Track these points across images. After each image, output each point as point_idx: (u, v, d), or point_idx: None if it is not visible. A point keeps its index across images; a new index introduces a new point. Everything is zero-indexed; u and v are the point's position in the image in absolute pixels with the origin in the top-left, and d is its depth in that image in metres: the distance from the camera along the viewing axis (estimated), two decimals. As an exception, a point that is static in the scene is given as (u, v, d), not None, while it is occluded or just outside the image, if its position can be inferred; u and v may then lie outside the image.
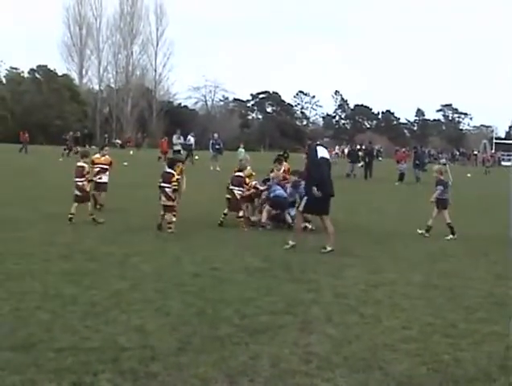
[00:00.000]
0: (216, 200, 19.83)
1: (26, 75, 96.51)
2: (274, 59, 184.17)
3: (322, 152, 14.27)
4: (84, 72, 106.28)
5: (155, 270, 10.88)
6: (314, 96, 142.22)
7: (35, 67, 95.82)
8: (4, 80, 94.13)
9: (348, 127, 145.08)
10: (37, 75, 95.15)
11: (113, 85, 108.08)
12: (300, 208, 14.24)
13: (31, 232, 14.22)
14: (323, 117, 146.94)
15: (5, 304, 8.31)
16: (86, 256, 11.75)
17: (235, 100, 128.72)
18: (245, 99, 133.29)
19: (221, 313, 8.42)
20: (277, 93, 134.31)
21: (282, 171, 17.93)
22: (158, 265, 11.31)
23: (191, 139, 47.97)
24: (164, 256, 12.20)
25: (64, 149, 49.73)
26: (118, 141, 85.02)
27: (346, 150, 48.19)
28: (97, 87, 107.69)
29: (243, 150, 45.79)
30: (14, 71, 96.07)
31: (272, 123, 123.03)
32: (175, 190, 15.62)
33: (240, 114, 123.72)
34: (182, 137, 45.52)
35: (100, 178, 18.63)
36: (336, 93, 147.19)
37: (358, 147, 49.03)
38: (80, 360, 6.42)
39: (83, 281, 9.76)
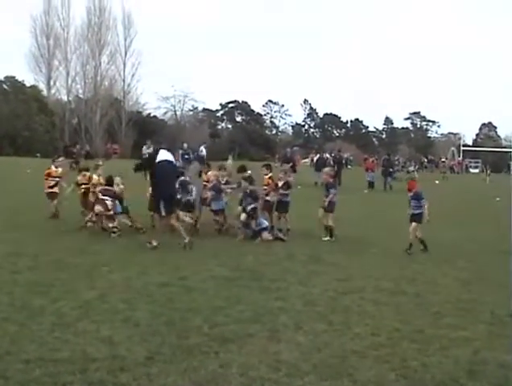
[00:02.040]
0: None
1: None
2: (243, 68, 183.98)
3: (163, 155, 15.03)
4: (52, 83, 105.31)
5: (123, 280, 10.84)
6: (283, 105, 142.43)
7: (2, 78, 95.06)
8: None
9: (318, 136, 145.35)
10: (4, 86, 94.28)
11: (81, 96, 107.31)
12: (163, 213, 14.84)
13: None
14: (292, 126, 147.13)
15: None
16: (56, 267, 11.68)
17: (204, 109, 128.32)
18: (214, 108, 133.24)
19: (190, 322, 8.40)
20: (246, 102, 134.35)
21: (268, 177, 18.16)
22: (127, 275, 11.26)
23: (203, 150, 47.81)
24: (132, 267, 12.10)
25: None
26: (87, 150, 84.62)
27: (315, 159, 48.14)
28: (65, 97, 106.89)
29: (231, 161, 45.81)
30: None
31: (241, 132, 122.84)
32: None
33: (209, 124, 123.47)
34: (152, 147, 45.39)
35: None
36: (305, 102, 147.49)
37: (327, 156, 49.15)
38: (48, 372, 6.37)
39: (51, 292, 9.69)
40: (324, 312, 9.26)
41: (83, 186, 18.22)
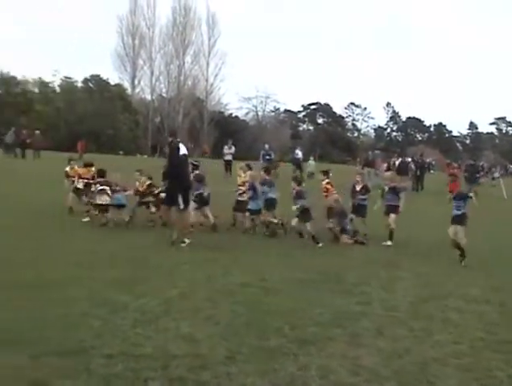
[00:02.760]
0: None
1: (79, 84, 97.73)
2: (325, 70, 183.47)
3: (183, 149, 14.90)
4: (136, 82, 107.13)
5: (205, 279, 10.95)
6: (365, 108, 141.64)
7: (88, 77, 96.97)
8: (58, 90, 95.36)
9: (400, 139, 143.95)
10: (90, 85, 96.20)
11: (165, 95, 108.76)
12: (182, 206, 14.69)
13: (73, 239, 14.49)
14: (374, 129, 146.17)
15: (50, 310, 8.42)
16: (136, 264, 11.88)
17: (286, 110, 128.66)
18: (296, 110, 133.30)
19: (270, 323, 8.42)
20: (328, 105, 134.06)
21: (325, 183, 18.12)
22: (208, 274, 11.36)
23: (299, 153, 48.01)
24: (213, 266, 12.24)
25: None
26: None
27: (397, 163, 47.58)
28: (149, 96, 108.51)
29: (313, 162, 45.78)
30: (68, 80, 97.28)
31: (323, 134, 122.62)
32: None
33: (291, 125, 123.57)
34: (233, 147, 45.58)
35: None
36: (387, 105, 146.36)
37: (409, 160, 48.46)
38: (130, 367, 6.49)
39: (134, 289, 9.86)
40: (404, 318, 9.16)
41: (84, 180, 18.64)
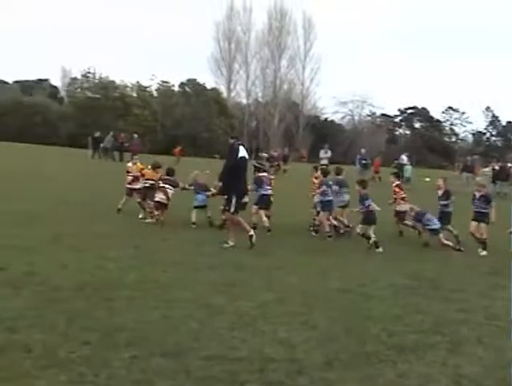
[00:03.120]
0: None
1: (176, 88, 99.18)
2: (422, 73, 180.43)
3: (243, 152, 14.55)
4: (232, 86, 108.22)
5: (302, 284, 10.93)
6: (464, 113, 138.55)
7: (184, 81, 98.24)
8: (155, 94, 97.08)
9: (500, 144, 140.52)
10: (187, 89, 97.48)
11: (260, 99, 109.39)
12: (232, 210, 14.49)
13: (176, 240, 14.69)
14: (472, 134, 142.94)
15: (156, 311, 8.56)
16: (234, 267, 11.97)
17: (382, 115, 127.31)
18: (392, 114, 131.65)
19: (369, 330, 8.34)
20: (425, 109, 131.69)
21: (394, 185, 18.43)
22: (305, 279, 11.36)
23: (404, 159, 47.88)
24: (311, 270, 12.23)
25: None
26: (265, 155, 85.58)
27: (496, 168, 46.51)
28: (244, 100, 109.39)
29: (410, 167, 45.32)
30: (165, 84, 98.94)
31: (419, 139, 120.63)
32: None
33: (387, 129, 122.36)
34: (329, 152, 45.51)
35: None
36: (487, 109, 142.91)
37: (510, 165, 47.27)
38: (227, 369, 6.52)
39: (231, 292, 9.93)
40: (507, 327, 8.92)
41: (150, 181, 18.59)
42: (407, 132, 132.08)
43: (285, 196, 23.10)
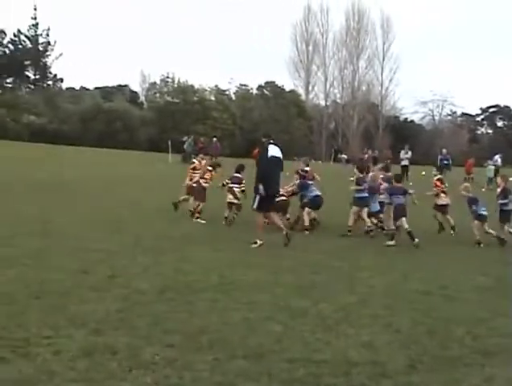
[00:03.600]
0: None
1: (254, 91, 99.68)
2: (506, 71, 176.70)
3: (273, 151, 14.49)
4: (310, 88, 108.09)
5: (384, 286, 10.85)
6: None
7: (263, 84, 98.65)
8: (234, 97, 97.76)
9: None
10: (265, 92, 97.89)
11: (339, 100, 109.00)
12: (254, 206, 14.59)
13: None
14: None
15: (236, 313, 8.61)
16: (313, 269, 11.95)
17: (463, 114, 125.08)
18: (473, 113, 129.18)
19: (452, 333, 8.22)
20: (508, 107, 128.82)
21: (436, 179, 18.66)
22: (387, 281, 11.27)
23: (498, 160, 47.36)
24: (392, 272, 12.15)
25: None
26: (344, 156, 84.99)
27: None
28: (323, 102, 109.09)
29: (493, 167, 44.58)
30: (244, 88, 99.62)
31: (503, 138, 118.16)
32: (242, 191, 18.12)
33: (468, 129, 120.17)
34: (410, 152, 45.01)
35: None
36: None
37: None
38: (311, 372, 6.50)
39: (312, 294, 9.91)
40: None
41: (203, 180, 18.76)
42: (490, 131, 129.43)
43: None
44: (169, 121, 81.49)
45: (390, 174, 18.41)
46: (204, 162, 20.04)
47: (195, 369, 6.42)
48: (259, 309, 8.83)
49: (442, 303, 9.83)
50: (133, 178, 33.09)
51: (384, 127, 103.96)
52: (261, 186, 14.32)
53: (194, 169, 19.68)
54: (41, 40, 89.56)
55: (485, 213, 16.25)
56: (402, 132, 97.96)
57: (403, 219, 15.50)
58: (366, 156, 48.19)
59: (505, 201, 16.52)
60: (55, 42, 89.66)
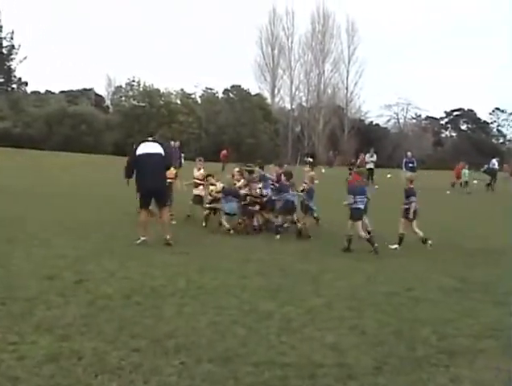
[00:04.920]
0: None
1: (220, 95, 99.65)
2: (467, 74, 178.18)
3: (143, 148, 14.71)
4: (276, 91, 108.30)
5: (349, 288, 10.89)
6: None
7: (229, 88, 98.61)
8: (199, 101, 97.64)
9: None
10: (231, 95, 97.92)
11: (304, 104, 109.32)
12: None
13: (225, 247, 14.75)
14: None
15: (203, 317, 8.60)
16: (281, 273, 11.98)
17: (428, 117, 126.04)
18: (438, 116, 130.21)
19: (418, 333, 8.29)
20: (472, 110, 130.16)
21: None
22: (352, 283, 11.32)
23: (495, 164, 47.59)
24: (357, 275, 12.19)
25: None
26: (310, 160, 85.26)
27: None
28: (288, 106, 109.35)
29: (467, 171, 45.13)
30: (209, 91, 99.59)
31: (466, 141, 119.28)
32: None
33: (433, 132, 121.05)
34: (375, 155, 45.25)
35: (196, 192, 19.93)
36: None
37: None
38: (276, 375, 6.53)
39: (278, 297, 9.94)
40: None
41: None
42: (454, 134, 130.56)
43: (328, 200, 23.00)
44: (135, 124, 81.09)
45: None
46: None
47: (161, 374, 6.42)
48: (226, 313, 8.84)
49: (408, 304, 9.87)
50: (99, 182, 32.91)
51: (349, 130, 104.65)
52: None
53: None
54: (5, 44, 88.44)
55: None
56: (368, 135, 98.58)
57: (359, 223, 15.52)
58: (359, 160, 47.36)
59: (406, 201, 16.38)
60: (19, 45, 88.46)
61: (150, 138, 15.18)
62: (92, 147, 75.61)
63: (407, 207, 16.12)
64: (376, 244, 14.99)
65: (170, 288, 10.22)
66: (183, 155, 53.73)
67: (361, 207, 15.46)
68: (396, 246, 15.90)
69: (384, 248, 15.29)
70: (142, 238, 14.54)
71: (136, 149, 14.75)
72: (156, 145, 14.90)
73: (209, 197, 18.52)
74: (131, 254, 13.10)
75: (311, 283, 11.17)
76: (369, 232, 15.72)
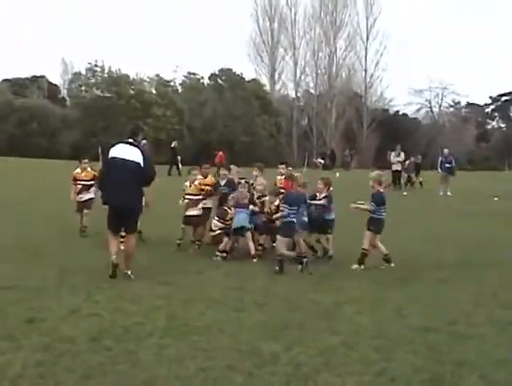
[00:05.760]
0: (442, 237, 19.59)
1: (206, 81, 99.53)
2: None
3: (116, 151, 14.14)
4: (276, 76, 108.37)
5: (373, 323, 10.90)
6: None
7: (216, 72, 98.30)
8: (180, 89, 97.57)
9: None
10: (219, 81, 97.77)
11: (312, 91, 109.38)
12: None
13: (215, 274, 14.76)
14: None
15: (190, 362, 8.62)
16: (288, 305, 11.99)
17: (469, 104, 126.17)
18: (482, 103, 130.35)
19: (463, 379, 8.30)
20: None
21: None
22: (377, 317, 11.32)
23: None
24: (383, 306, 12.19)
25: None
26: (321, 161, 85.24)
27: None
28: (292, 93, 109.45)
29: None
30: (192, 77, 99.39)
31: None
32: None
33: (476, 123, 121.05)
34: (402, 154, 45.07)
35: (81, 197, 20.65)
36: None
37: None
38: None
39: (284, 336, 9.94)
40: None
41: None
42: (502, 125, 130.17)
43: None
44: (99, 120, 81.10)
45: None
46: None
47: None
48: (218, 356, 8.86)
49: (449, 342, 9.87)
50: (55, 193, 32.87)
51: (370, 123, 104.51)
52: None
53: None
54: None
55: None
56: (393, 128, 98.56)
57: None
58: (407, 162, 46.92)
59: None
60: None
61: (129, 140, 14.40)
62: (45, 150, 75.55)
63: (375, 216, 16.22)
64: (303, 265, 15.32)
65: (148, 326, 10.22)
66: (179, 158, 53.71)
67: (294, 220, 15.62)
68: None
69: (418, 272, 15.34)
70: (113, 257, 13.91)
71: (108, 153, 14.28)
72: (135, 150, 14.14)
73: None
74: (99, 284, 13.08)
75: (325, 317, 11.17)
76: (325, 252, 16.07)
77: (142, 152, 14.14)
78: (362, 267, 15.76)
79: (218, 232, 17.42)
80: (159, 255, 16.55)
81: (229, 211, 17.46)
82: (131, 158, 13.95)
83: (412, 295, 13.16)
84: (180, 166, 51.49)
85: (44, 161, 62.61)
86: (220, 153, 58.98)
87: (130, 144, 14.27)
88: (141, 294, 12.39)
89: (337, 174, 55.13)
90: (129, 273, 14.08)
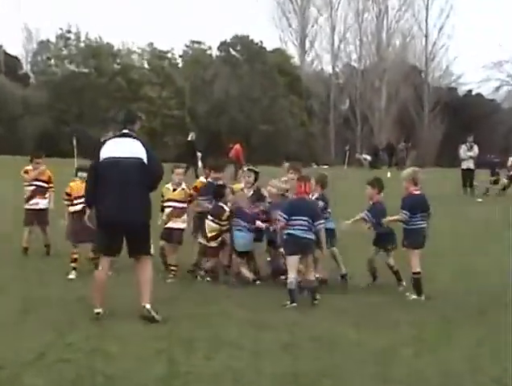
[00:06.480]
0: None
1: (214, 52, 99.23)
2: None
3: (112, 149, 13.71)
4: (307, 45, 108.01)
5: (438, 370, 10.79)
6: None
7: (228, 40, 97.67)
8: (180, 63, 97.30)
9: None
10: (232, 52, 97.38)
11: (355, 64, 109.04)
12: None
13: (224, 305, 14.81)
14: None
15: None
16: (324, 346, 11.97)
17: None
18: None
19: None
20: None
21: None
22: (442, 361, 11.25)
23: None
24: (449, 347, 12.13)
25: None
26: (367, 157, 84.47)
27: None
28: (329, 68, 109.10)
29: None
30: (197, 47, 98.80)
31: None
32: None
33: None
34: (476, 148, 44.74)
35: (35, 204, 20.05)
36: None
37: None
38: None
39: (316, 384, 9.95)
40: None
41: None
42: None
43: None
44: (73, 104, 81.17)
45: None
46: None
47: None
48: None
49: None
50: (17, 199, 33.04)
51: (432, 107, 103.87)
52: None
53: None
54: None
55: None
56: (464, 112, 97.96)
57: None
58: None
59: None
60: None
61: (125, 131, 14.00)
62: (3, 142, 75.74)
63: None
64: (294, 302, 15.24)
65: (139, 376, 10.24)
66: (199, 155, 53.40)
67: (301, 234, 15.66)
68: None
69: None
70: (97, 310, 13.46)
71: (99, 151, 13.71)
72: (134, 143, 13.79)
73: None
74: (72, 320, 13.12)
75: (375, 363, 11.12)
76: (317, 278, 16.30)
77: (143, 144, 13.82)
78: (423, 297, 15.77)
79: (215, 245, 17.74)
80: (154, 281, 16.63)
81: (226, 208, 17.71)
82: (131, 155, 13.58)
83: (485, 331, 13.17)
84: (200, 164, 50.23)
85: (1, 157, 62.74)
86: (237, 146, 57.85)
87: (126, 135, 13.93)
88: (131, 332, 12.42)
89: (389, 174, 55.01)
90: (148, 307, 13.51)
